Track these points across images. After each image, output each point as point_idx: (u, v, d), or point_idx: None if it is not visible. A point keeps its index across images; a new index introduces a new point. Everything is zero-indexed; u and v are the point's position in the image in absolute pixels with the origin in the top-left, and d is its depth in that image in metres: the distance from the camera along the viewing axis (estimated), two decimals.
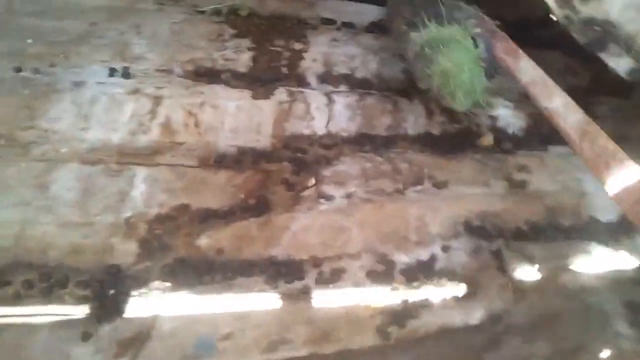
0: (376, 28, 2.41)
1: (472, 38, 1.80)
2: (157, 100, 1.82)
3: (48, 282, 1.38)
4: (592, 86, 2.40)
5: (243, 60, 2.07)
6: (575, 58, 2.45)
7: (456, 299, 1.55)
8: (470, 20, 1.86)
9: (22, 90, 1.75)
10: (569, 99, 1.62)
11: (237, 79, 2.00)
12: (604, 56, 1.68)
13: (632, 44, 1.73)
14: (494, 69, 1.83)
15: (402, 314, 1.49)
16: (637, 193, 1.33)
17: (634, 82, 1.63)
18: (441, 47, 1.77)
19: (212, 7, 2.27)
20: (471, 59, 1.76)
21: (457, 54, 1.75)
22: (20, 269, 1.39)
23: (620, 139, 2.10)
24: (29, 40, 1.92)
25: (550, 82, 1.67)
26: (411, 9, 1.95)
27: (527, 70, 1.75)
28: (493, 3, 2.67)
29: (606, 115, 2.26)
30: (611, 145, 1.47)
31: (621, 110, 2.29)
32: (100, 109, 1.76)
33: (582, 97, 2.28)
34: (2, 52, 1.85)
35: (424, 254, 1.58)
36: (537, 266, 1.59)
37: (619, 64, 1.66)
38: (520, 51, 1.83)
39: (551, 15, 2.62)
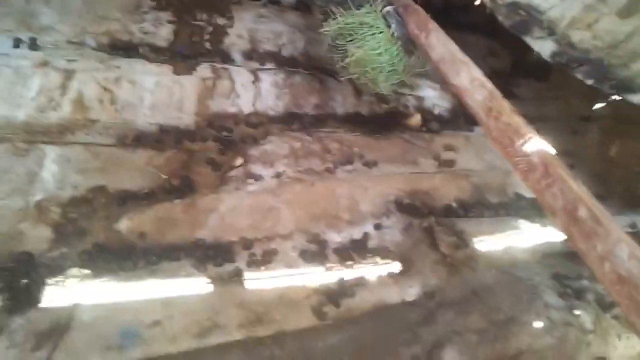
0: (302, 5, 2.35)
1: (384, 17, 1.75)
2: (69, 74, 1.68)
3: None
4: (513, 69, 2.46)
5: (163, 33, 1.95)
6: (498, 42, 2.51)
7: (391, 276, 1.54)
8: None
9: None
10: (476, 75, 1.60)
11: (156, 53, 1.88)
12: (528, 39, 1.71)
13: (555, 28, 1.77)
14: (412, 45, 1.79)
15: (337, 293, 1.46)
16: (540, 168, 1.35)
17: (555, 64, 1.66)
18: (353, 35, 1.73)
19: None
20: (384, 41, 1.73)
21: (368, 39, 1.72)
22: None
23: (539, 119, 2.18)
24: None
25: (459, 57, 1.64)
26: None
27: (437, 46, 1.73)
28: None
29: (526, 97, 2.33)
30: (515, 119, 1.48)
31: (540, 91, 2.37)
32: (4, 82, 1.59)
33: (504, 79, 2.35)
34: None
35: (356, 233, 1.55)
36: (468, 242, 1.60)
37: (543, 47, 1.70)
38: (431, 25, 1.78)
39: (475, 2, 2.68)
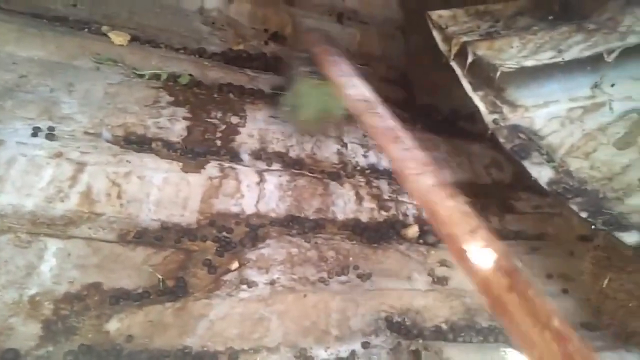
0: None
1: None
2: (80, 166, 1.75)
3: None
4: (514, 181, 2.51)
5: (177, 129, 2.04)
6: (501, 152, 2.56)
7: None
8: (301, 68, 2.14)
9: None
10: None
11: (168, 149, 1.96)
12: (526, 164, 1.76)
13: (553, 155, 1.82)
14: None
15: None
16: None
17: (552, 193, 1.70)
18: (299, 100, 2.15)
19: (152, 71, 2.24)
20: (317, 92, 2.07)
21: (307, 98, 2.12)
22: None
23: (537, 237, 2.20)
24: None
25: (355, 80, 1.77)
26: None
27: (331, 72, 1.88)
28: (429, 95, 2.80)
29: (526, 211, 2.36)
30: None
31: (540, 207, 2.39)
32: (17, 171, 1.66)
33: (505, 191, 2.39)
34: None
35: (343, 351, 1.55)
36: None
37: (541, 173, 1.74)
38: (328, 58, 1.96)
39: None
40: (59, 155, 1.75)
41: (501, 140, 1.86)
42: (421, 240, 1.99)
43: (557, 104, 1.95)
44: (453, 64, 2.04)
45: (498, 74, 1.89)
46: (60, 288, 1.49)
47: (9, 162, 1.68)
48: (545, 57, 1.90)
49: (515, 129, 1.91)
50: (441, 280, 1.83)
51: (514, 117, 1.94)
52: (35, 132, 1.80)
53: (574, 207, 1.67)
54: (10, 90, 1.91)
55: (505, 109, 1.95)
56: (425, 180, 1.24)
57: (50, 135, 1.81)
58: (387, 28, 3.20)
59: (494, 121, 1.90)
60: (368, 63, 3.00)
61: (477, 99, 1.95)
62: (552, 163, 1.79)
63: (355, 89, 1.69)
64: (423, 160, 1.32)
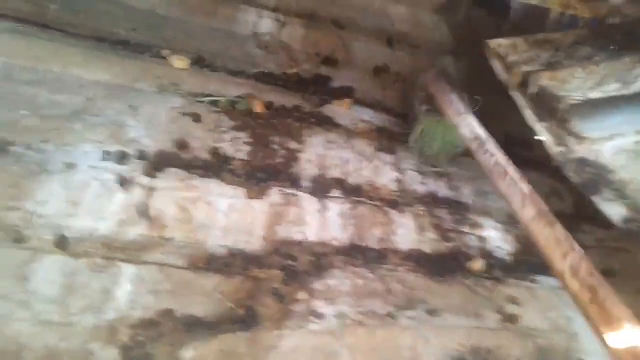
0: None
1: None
2: (150, 191, 1.76)
3: None
4: (576, 212, 2.46)
5: (240, 155, 2.05)
6: (561, 182, 2.52)
7: None
8: (422, 107, 2.41)
9: (12, 166, 1.66)
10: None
11: (232, 175, 1.96)
12: (597, 200, 1.72)
13: (624, 191, 1.78)
14: None
15: None
16: None
17: (628, 231, 1.66)
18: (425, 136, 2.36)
19: (210, 99, 2.26)
20: (439, 129, 2.31)
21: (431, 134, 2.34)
22: None
23: (604, 272, 2.15)
24: (23, 112, 1.85)
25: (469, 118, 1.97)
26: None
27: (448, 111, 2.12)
28: (482, 122, 2.77)
29: (591, 246, 2.31)
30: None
31: (604, 241, 2.35)
32: (91, 195, 1.68)
33: (567, 224, 2.34)
34: None
35: None
36: None
37: (613, 211, 1.70)
38: (445, 97, 2.16)
39: (536, 137, 2.73)
40: (129, 180, 1.77)
41: (570, 174, 1.83)
42: (486, 275, 1.96)
43: (624, 137, 1.91)
44: (514, 94, 2.02)
45: (564, 105, 1.87)
46: (136, 314, 1.50)
47: (83, 186, 1.70)
48: (611, 89, 1.88)
49: (583, 162, 1.87)
50: (511, 319, 1.80)
51: (580, 150, 1.90)
52: (106, 156, 1.82)
53: None
54: (79, 112, 1.95)
55: (571, 142, 1.91)
56: (527, 212, 1.47)
57: (121, 160, 1.82)
58: (437, 52, 3.19)
59: (561, 154, 1.87)
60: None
61: (541, 130, 1.93)
62: (626, 200, 1.75)
63: (469, 128, 1.92)
64: (525, 192, 1.56)
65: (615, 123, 1.94)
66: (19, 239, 1.53)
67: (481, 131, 1.78)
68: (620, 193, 1.80)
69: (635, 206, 1.77)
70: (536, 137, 2.69)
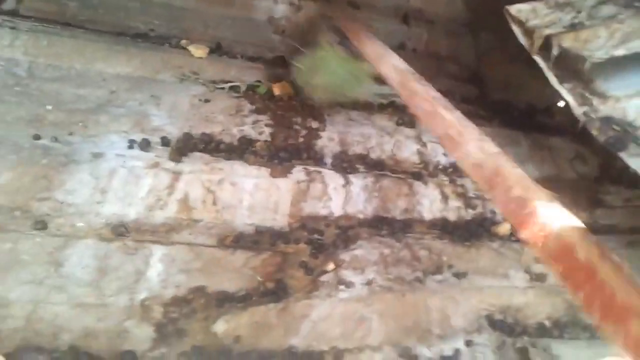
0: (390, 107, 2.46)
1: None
2: (176, 175, 1.80)
3: None
4: (601, 175, 2.43)
5: (262, 137, 2.08)
6: (584, 145, 2.49)
7: None
8: (327, 38, 2.23)
9: (41, 159, 1.72)
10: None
11: (255, 156, 1.99)
12: (624, 156, 1.69)
13: None
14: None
15: None
16: None
17: None
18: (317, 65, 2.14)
19: (230, 84, 2.30)
20: (339, 62, 2.09)
21: (326, 66, 2.11)
22: (30, 353, 1.32)
23: (630, 231, 2.13)
24: (49, 107, 1.91)
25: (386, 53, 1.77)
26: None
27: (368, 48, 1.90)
28: (502, 91, 2.76)
29: (617, 205, 2.28)
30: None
31: (630, 200, 2.31)
32: (119, 182, 1.73)
33: (593, 185, 2.32)
34: (21, 117, 1.83)
35: (447, 349, 1.54)
36: None
37: None
38: (362, 33, 1.97)
39: (558, 104, 2.70)
40: (155, 165, 1.81)
41: (594, 132, 1.80)
42: (513, 238, 1.95)
43: None
44: (537, 57, 1.99)
45: (587, 65, 1.84)
46: (168, 292, 1.54)
47: (110, 173, 1.75)
48: (636, 45, 1.84)
49: (608, 120, 1.85)
50: (539, 277, 1.79)
51: (605, 109, 1.87)
52: (131, 144, 1.87)
53: None
54: (103, 105, 2.00)
55: (596, 101, 1.88)
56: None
57: (146, 147, 1.87)
58: (454, 26, 3.17)
59: (585, 114, 1.84)
60: (436, 63, 2.97)
61: (564, 92, 1.90)
62: None
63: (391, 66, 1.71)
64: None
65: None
66: (52, 227, 1.58)
67: (405, 66, 1.65)
68: None
69: None
70: (559, 104, 2.67)
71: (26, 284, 1.45)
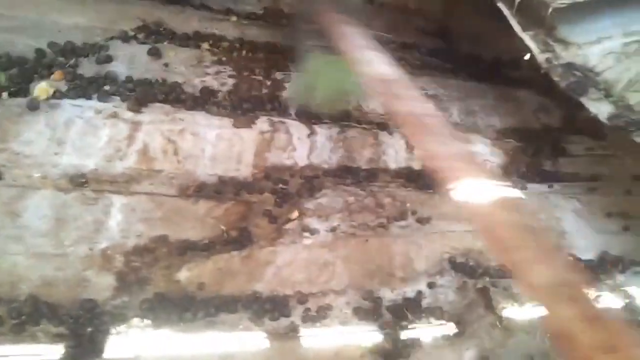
0: None
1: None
2: (135, 125, 1.76)
3: (19, 318, 1.29)
4: (564, 125, 2.46)
5: (224, 87, 2.03)
6: (548, 97, 2.51)
7: (446, 338, 1.53)
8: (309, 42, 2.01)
9: None
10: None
11: (217, 107, 1.96)
12: (584, 100, 1.72)
13: (611, 90, 1.78)
14: None
15: (392, 354, 1.46)
16: None
17: (613, 127, 1.66)
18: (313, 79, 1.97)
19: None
20: (331, 69, 1.89)
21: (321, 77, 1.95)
22: None
23: (591, 178, 2.17)
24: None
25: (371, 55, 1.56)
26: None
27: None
28: (470, 44, 2.75)
29: (578, 154, 2.31)
30: None
31: (592, 149, 2.35)
32: (76, 133, 1.68)
33: (556, 135, 2.35)
34: None
35: (410, 291, 1.56)
36: (524, 305, 1.58)
37: (600, 109, 1.70)
38: (340, 31, 1.78)
39: (524, 57, 2.70)
40: (114, 115, 1.77)
41: (555, 78, 1.81)
42: None
43: (611, 39, 1.88)
44: (500, 4, 1.98)
45: (549, 11, 1.83)
46: (129, 241, 1.52)
47: (66, 124, 1.70)
48: None
49: (569, 66, 1.86)
50: None
51: (567, 55, 1.88)
52: (88, 94, 1.81)
53: (638, 139, 1.64)
54: None
55: (558, 48, 1.89)
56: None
57: (104, 97, 1.81)
58: None
59: (547, 60, 1.85)
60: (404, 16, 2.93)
61: (527, 38, 1.90)
62: (611, 98, 1.74)
63: (372, 66, 1.44)
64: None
65: (602, 26, 1.91)
66: (8, 178, 1.53)
67: (389, 69, 1.41)
68: (606, 92, 1.79)
69: (622, 103, 1.77)
70: (525, 57, 2.67)
71: None
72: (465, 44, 2.85)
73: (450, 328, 1.55)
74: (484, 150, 2.16)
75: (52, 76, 1.84)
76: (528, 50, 1.90)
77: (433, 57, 2.67)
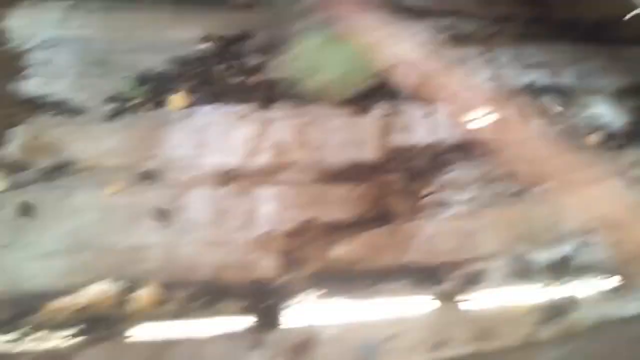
0: None
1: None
2: (267, 122, 1.87)
3: (206, 296, 1.42)
4: None
5: None
6: None
7: (605, 291, 1.54)
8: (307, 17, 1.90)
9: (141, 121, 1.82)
10: None
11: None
12: None
13: None
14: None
15: (555, 311, 1.49)
16: None
17: None
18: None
19: None
20: (334, 50, 1.84)
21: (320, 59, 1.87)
22: (176, 287, 1.44)
23: None
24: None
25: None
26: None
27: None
28: (567, 9, 2.69)
29: None
30: None
31: None
32: (214, 135, 1.82)
33: None
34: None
35: (562, 250, 1.58)
36: None
37: None
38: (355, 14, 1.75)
39: (628, 15, 2.61)
40: (245, 116, 1.88)
41: None
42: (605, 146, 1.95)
43: None
44: None
45: None
46: (283, 226, 1.64)
47: (204, 128, 1.84)
48: None
49: None
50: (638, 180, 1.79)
51: None
52: None
53: None
54: None
55: None
56: None
57: (232, 100, 1.94)
58: None
59: None
60: None
61: None
62: None
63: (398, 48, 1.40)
64: None
65: None
66: (164, 179, 1.69)
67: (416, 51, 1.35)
68: None
69: None
70: (629, 15, 2.58)
71: (154, 230, 1.57)
72: (563, 9, 2.79)
73: (610, 282, 1.56)
74: (606, 111, 2.13)
75: (182, 88, 1.98)
76: (633, 7, 1.86)
77: (533, 25, 2.63)
